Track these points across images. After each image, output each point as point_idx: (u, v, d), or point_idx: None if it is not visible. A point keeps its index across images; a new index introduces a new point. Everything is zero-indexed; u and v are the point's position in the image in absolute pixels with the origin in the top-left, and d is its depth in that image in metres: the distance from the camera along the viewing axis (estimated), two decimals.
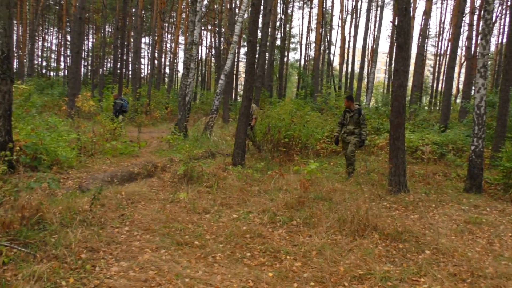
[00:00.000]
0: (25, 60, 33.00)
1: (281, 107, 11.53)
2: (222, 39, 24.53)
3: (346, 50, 32.52)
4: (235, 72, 31.80)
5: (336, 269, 3.64)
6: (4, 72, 6.28)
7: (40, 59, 43.05)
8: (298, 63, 39.77)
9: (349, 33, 33.42)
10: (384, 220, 4.85)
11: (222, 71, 14.35)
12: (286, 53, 34.74)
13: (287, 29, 32.93)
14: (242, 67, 41.43)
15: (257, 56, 13.46)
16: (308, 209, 5.25)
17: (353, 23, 31.71)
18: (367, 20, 22.07)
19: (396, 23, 6.57)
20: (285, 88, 36.82)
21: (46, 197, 4.86)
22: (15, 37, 34.36)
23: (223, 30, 24.75)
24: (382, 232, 4.52)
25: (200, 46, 34.95)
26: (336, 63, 41.82)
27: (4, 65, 6.30)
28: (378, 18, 23.05)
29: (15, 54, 33.44)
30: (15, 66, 34.10)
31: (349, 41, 33.55)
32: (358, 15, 28.91)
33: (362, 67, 23.09)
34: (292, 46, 42.48)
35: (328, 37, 29.90)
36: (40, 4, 31.80)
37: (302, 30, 59.14)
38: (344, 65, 32.61)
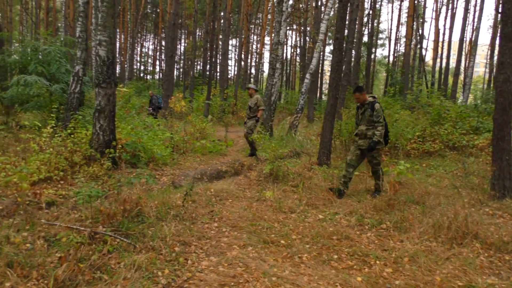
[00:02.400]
0: (126, 65, 35.97)
1: None
2: (307, 38, 24.37)
3: (440, 44, 30.40)
4: (320, 71, 31.42)
5: (431, 278, 3.39)
6: (109, 77, 6.88)
7: (138, 64, 46.62)
8: (386, 59, 38.10)
9: (444, 25, 31.53)
10: (487, 228, 4.42)
11: (308, 70, 14.24)
12: (373, 50, 33.47)
13: (375, 24, 31.72)
14: (327, 66, 40.81)
15: (343, 53, 13.15)
16: (399, 213, 4.99)
17: (449, 14, 29.49)
18: (465, 9, 20.39)
19: (501, 10, 5.96)
20: (372, 86, 35.49)
21: (144, 192, 5.23)
22: (117, 44, 37.65)
23: (308, 28, 24.58)
24: (484, 241, 4.13)
25: (285, 46, 35.12)
26: (428, 58, 39.32)
27: (109, 70, 6.91)
28: (478, 7, 21.18)
29: (118, 60, 36.61)
30: (117, 71, 37.36)
31: (443, 34, 31.34)
32: (455, 5, 26.67)
33: (458, 61, 21.39)
34: (380, 42, 40.84)
35: (420, 30, 28.16)
36: (139, 13, 34.44)
37: (391, 25, 56.76)
38: (438, 60, 30.48)
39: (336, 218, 5.05)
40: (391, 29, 38.84)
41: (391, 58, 36.11)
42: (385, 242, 4.30)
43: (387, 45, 41.23)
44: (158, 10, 37.85)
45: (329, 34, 32.27)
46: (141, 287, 2.98)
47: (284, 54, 37.01)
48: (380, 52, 51.67)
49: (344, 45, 13.95)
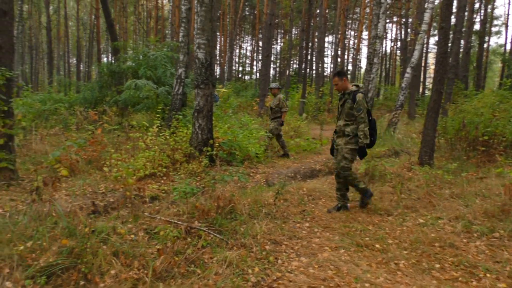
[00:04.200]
0: (225, 67, 37.54)
1: (479, 100, 10.07)
2: (408, 29, 22.96)
3: None
4: (423, 64, 29.40)
5: None
6: (207, 78, 7.21)
7: (237, 65, 48.31)
8: (503, 48, 34.23)
9: None
10: None
11: (408, 64, 13.40)
12: (486, 38, 30.31)
13: (489, 10, 28.68)
14: (431, 58, 37.98)
15: (449, 44, 12.09)
16: None
17: None
18: None
19: None
20: (485, 79, 32.20)
21: (237, 189, 5.37)
22: (218, 47, 39.46)
23: (410, 20, 23.14)
24: None
25: (384, 40, 33.53)
26: None
27: (207, 72, 7.23)
28: None
29: (218, 62, 38.35)
30: (217, 72, 39.18)
31: None
32: None
33: None
34: (494, 29, 36.85)
35: None
36: (238, 16, 35.67)
37: (508, 10, 50.77)
38: None
39: (438, 223, 4.64)
40: (508, 14, 34.84)
41: (508, 47, 32.43)
42: (498, 253, 3.82)
43: (503, 33, 37.12)
44: (256, 12, 38.81)
45: (434, 24, 29.98)
46: (232, 284, 3.03)
47: (383, 48, 35.38)
48: (494, 41, 46.61)
49: (451, 35, 12.83)
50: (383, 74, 38.97)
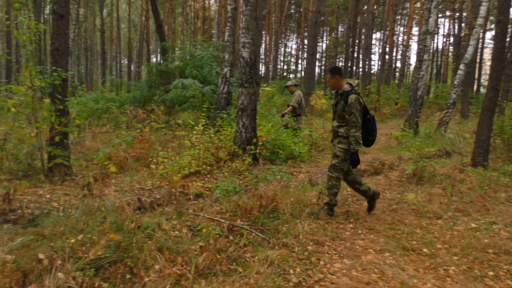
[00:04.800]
0: (270, 65, 37.57)
1: None
2: (462, 24, 21.88)
3: None
4: (477, 61, 27.90)
5: None
6: (251, 77, 7.24)
7: (282, 64, 48.25)
8: None
9: None
10: None
11: (462, 60, 12.76)
12: None
13: None
14: (487, 54, 35.99)
15: (508, 38, 11.38)
16: None
17: None
18: None
19: None
20: None
21: (280, 188, 5.35)
22: (263, 45, 39.56)
23: (464, 14, 22.05)
24: None
25: (435, 35, 32.19)
26: None
27: (252, 70, 7.26)
28: None
29: (262, 61, 38.45)
30: (262, 71, 39.28)
31: None
32: None
33: None
34: None
35: None
36: (283, 14, 35.58)
37: None
38: None
39: (493, 228, 4.39)
40: None
41: None
42: None
43: None
44: (301, 10, 38.53)
45: (491, 18, 28.36)
46: (273, 283, 3.02)
47: (435, 44, 33.97)
48: None
49: (509, 28, 12.09)
50: (434, 71, 37.42)
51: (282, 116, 9.00)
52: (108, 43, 42.33)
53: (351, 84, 4.59)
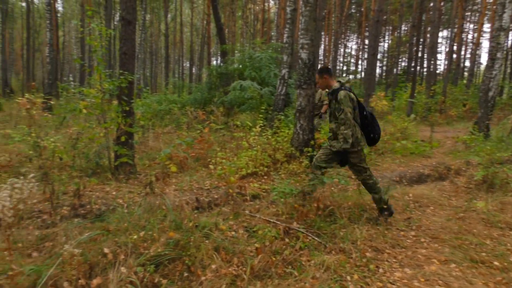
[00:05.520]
0: (329, 66, 36.97)
1: None
2: None
3: None
4: None
5: None
6: (309, 78, 7.16)
7: (341, 64, 47.36)
8: None
9: None
10: None
11: None
12: None
13: None
14: None
15: None
16: None
17: None
18: None
19: None
20: None
21: (338, 192, 5.24)
22: (322, 46, 39.08)
23: None
24: None
25: (510, 32, 29.95)
26: None
27: (310, 72, 7.18)
28: None
29: (321, 62, 37.98)
30: None
31: None
32: None
33: None
34: None
35: None
36: (343, 14, 34.94)
37: None
38: None
39: None
40: None
41: None
42: None
43: None
44: (362, 9, 37.61)
45: None
46: None
47: (509, 42, 31.61)
48: None
49: None
50: (508, 70, 34.82)
51: (320, 117, 8.77)
52: (171, 47, 43.96)
53: (340, 82, 4.45)
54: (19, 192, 2.29)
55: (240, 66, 13.21)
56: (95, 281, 2.65)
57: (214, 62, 40.29)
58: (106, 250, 2.93)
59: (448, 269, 3.41)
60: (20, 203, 2.31)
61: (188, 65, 47.28)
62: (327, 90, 4.58)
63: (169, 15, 36.82)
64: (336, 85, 4.44)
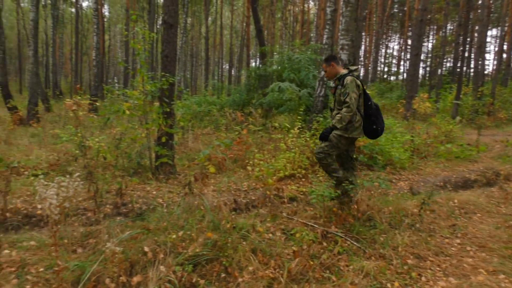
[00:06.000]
0: (369, 67, 36.29)
1: None
2: None
3: None
4: None
5: None
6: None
7: (382, 65, 46.30)
8: None
9: None
10: None
11: None
12: None
13: None
14: None
15: None
16: None
17: None
18: None
19: None
20: None
21: (378, 196, 5.10)
22: (362, 47, 38.38)
23: None
24: None
25: None
26: None
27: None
28: None
29: (361, 63, 37.30)
30: (361, 73, 38.15)
31: None
32: None
33: None
34: None
35: None
36: (385, 14, 34.15)
37: None
38: None
39: None
40: None
41: None
42: None
43: None
44: (405, 8, 36.60)
45: None
46: None
47: None
48: None
49: None
50: None
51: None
52: (211, 49, 44.63)
53: (349, 68, 4.42)
54: (65, 190, 2.38)
55: (279, 67, 13.18)
56: (135, 279, 2.71)
57: (253, 64, 40.49)
58: (146, 249, 2.99)
59: (496, 280, 3.24)
60: (66, 201, 2.41)
61: (227, 67, 47.86)
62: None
63: (209, 18, 37.41)
64: (344, 71, 4.42)
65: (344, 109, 4.15)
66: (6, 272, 2.79)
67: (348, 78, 4.21)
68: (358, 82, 4.25)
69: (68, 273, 2.74)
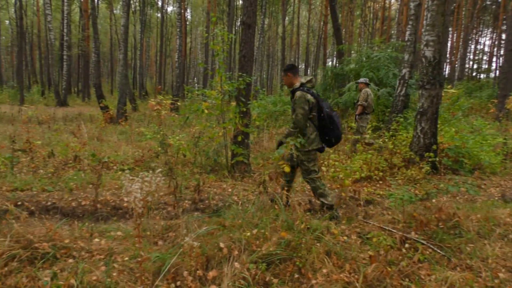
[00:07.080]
0: (456, 65, 33.91)
1: None
2: None
3: None
4: None
5: None
6: (433, 78, 6.63)
7: (471, 63, 43.03)
8: None
9: None
10: None
11: None
12: None
13: None
14: None
15: None
16: None
17: None
18: None
19: None
20: None
21: (464, 202, 4.74)
22: (449, 43, 35.96)
23: None
24: None
25: None
26: None
27: (434, 71, 6.65)
28: None
29: (447, 60, 34.98)
30: (446, 72, 35.79)
31: None
32: None
33: None
34: None
35: None
36: (476, 7, 31.69)
37: None
38: None
39: None
40: None
41: None
42: None
43: None
44: (499, 0, 33.62)
45: None
46: None
47: None
48: None
49: None
50: None
51: (355, 119, 8.23)
52: (287, 49, 44.75)
53: (302, 83, 4.35)
54: (148, 185, 2.52)
55: (357, 66, 12.82)
56: (211, 273, 2.79)
57: (330, 63, 39.88)
58: (221, 245, 3.07)
59: None
60: (149, 195, 2.54)
61: (303, 66, 47.64)
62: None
63: (286, 18, 37.52)
64: (297, 84, 4.37)
65: (292, 125, 4.29)
66: (96, 259, 3.02)
67: (297, 94, 4.24)
68: (309, 96, 4.22)
69: (150, 263, 2.89)
